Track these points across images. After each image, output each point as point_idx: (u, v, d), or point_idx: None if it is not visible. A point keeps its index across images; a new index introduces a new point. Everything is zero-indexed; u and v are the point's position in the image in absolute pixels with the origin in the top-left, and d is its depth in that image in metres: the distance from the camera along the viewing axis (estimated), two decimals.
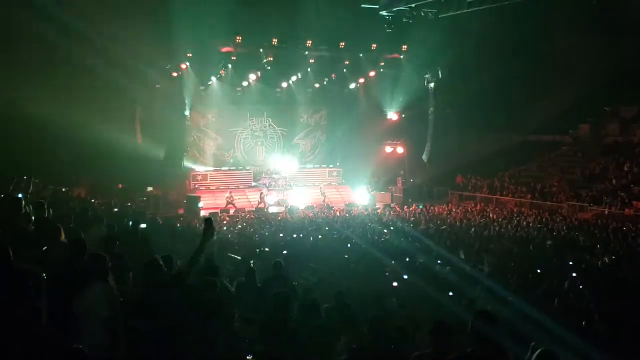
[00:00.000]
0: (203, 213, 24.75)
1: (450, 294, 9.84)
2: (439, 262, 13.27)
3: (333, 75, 30.98)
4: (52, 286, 4.77)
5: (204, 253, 5.30)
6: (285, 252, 13.30)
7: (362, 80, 31.58)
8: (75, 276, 5.02)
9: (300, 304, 6.50)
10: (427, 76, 31.17)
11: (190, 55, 27.08)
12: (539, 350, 4.27)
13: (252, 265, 9.95)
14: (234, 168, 31.41)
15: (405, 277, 11.01)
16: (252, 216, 25.22)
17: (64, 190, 20.50)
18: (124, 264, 6.53)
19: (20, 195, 9.08)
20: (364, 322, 5.94)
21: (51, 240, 6.20)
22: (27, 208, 7.18)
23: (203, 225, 5.52)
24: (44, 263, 5.14)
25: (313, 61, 29.46)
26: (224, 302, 6.23)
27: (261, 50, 28.30)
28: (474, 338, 4.13)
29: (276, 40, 27.58)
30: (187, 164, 29.83)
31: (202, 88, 29.17)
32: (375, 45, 29.48)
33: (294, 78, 30.51)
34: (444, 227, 19.65)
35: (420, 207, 26.92)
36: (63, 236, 6.43)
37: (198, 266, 5.28)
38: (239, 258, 12.30)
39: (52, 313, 4.67)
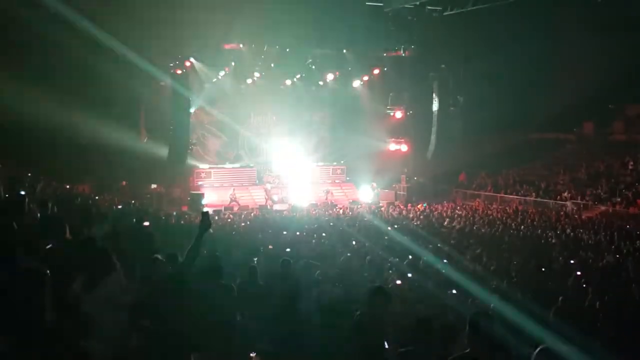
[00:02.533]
0: (206, 210, 24.72)
1: (454, 291, 9.83)
2: (445, 260, 13.27)
3: (337, 73, 30.95)
4: (59, 282, 4.78)
5: (201, 246, 5.28)
6: (288, 249, 13.31)
7: (366, 78, 31.54)
8: (83, 272, 5.00)
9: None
10: (431, 74, 31.13)
11: (195, 52, 27.11)
12: (538, 348, 4.27)
13: (254, 263, 9.96)
14: (238, 165, 31.41)
15: (409, 275, 11.00)
16: (257, 213, 25.23)
17: (67, 187, 20.56)
18: (128, 261, 6.53)
19: (22, 192, 9.10)
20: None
21: (56, 237, 6.20)
22: (31, 205, 7.19)
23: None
24: (49, 260, 5.13)
25: (317, 59, 29.47)
26: (225, 301, 6.24)
27: (265, 48, 28.31)
28: (472, 338, 4.11)
29: (280, 38, 27.58)
30: (191, 161, 29.82)
31: (206, 85, 29.18)
32: (379, 43, 29.45)
33: (297, 75, 30.48)
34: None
35: (425, 205, 26.95)
36: (68, 233, 6.43)
37: (197, 260, 5.25)
38: (241, 255, 12.30)
39: (59, 310, 4.67)
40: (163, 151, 27.53)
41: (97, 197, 21.37)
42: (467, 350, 4.13)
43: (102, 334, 4.61)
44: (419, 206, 26.67)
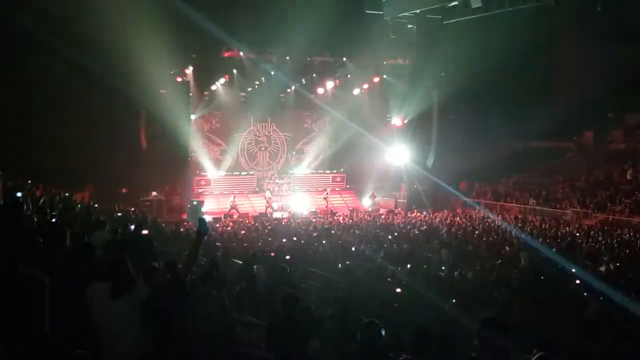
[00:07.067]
0: (206, 217, 24.68)
1: (454, 300, 9.81)
2: (443, 268, 13.25)
3: (337, 81, 31.01)
4: (65, 290, 4.77)
5: (198, 252, 5.27)
6: (288, 257, 13.29)
7: (365, 86, 31.63)
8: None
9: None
10: (430, 82, 31.17)
11: (195, 60, 27.18)
12: (536, 355, 4.26)
13: (254, 270, 9.95)
14: (238, 173, 31.41)
15: (409, 283, 10.98)
16: (254, 221, 25.18)
17: (67, 194, 20.54)
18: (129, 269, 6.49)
19: (19, 194, 9.08)
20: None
21: (56, 244, 6.19)
22: (29, 212, 7.18)
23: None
24: (49, 267, 5.13)
25: (317, 67, 29.56)
26: (219, 311, 6.22)
27: (265, 56, 28.40)
28: (480, 344, 4.10)
29: (280, 46, 27.70)
30: (191, 168, 29.82)
31: (206, 93, 29.22)
32: (379, 51, 29.56)
33: (297, 83, 30.55)
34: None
35: (423, 212, 26.97)
36: (68, 240, 6.43)
37: (194, 266, 5.25)
38: (241, 263, 12.29)
39: (65, 319, 4.66)
40: (163, 159, 27.54)
41: (96, 205, 21.34)
42: (475, 354, 4.14)
43: (120, 342, 4.61)
44: (413, 214, 26.72)
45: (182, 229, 19.65)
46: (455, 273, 12.62)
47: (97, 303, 4.71)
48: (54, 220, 8.42)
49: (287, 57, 28.56)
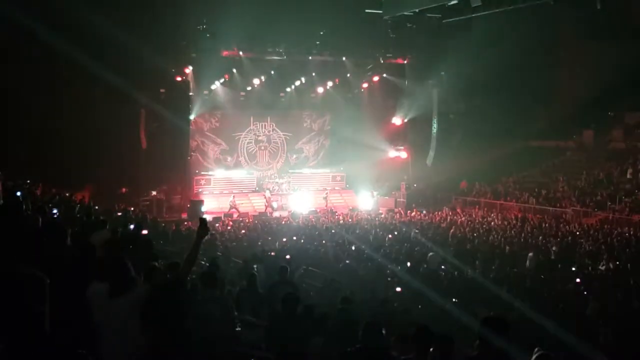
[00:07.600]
0: (206, 217, 24.66)
1: (454, 300, 9.83)
2: (443, 267, 13.27)
3: (337, 80, 31.00)
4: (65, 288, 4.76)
5: (199, 252, 5.26)
6: (288, 256, 13.30)
7: (365, 85, 31.63)
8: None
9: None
10: (430, 81, 31.20)
11: (194, 59, 27.17)
12: (536, 354, 4.26)
13: (254, 270, 9.95)
14: (237, 172, 31.37)
15: (410, 282, 10.99)
16: (254, 221, 25.18)
17: (67, 194, 20.55)
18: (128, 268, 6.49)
19: (18, 193, 9.07)
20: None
21: (56, 244, 6.17)
22: (29, 211, 7.17)
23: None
24: (49, 267, 5.11)
25: (316, 66, 29.55)
26: (220, 311, 6.22)
27: (264, 55, 28.40)
28: (480, 343, 4.11)
29: (280, 45, 27.69)
30: (191, 168, 29.81)
31: (205, 92, 29.19)
32: (378, 50, 29.57)
33: (297, 83, 30.54)
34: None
35: (423, 212, 26.98)
36: (68, 240, 6.41)
37: (194, 266, 5.23)
38: (241, 262, 12.30)
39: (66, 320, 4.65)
40: (163, 158, 27.53)
41: (96, 207, 21.34)
42: (475, 354, 4.14)
43: (120, 342, 4.60)
44: (413, 213, 26.72)
45: (182, 229, 19.65)
46: (455, 272, 12.65)
47: (97, 302, 4.70)
48: (54, 219, 8.42)
49: (287, 57, 28.56)
